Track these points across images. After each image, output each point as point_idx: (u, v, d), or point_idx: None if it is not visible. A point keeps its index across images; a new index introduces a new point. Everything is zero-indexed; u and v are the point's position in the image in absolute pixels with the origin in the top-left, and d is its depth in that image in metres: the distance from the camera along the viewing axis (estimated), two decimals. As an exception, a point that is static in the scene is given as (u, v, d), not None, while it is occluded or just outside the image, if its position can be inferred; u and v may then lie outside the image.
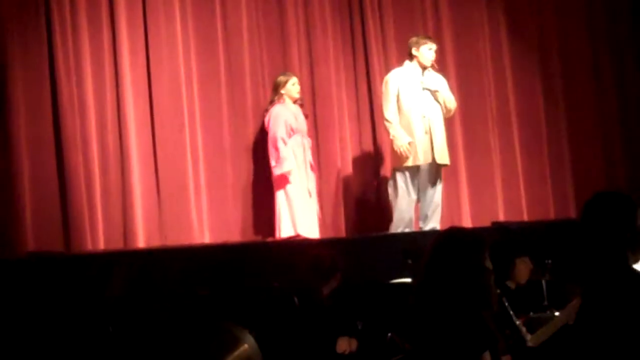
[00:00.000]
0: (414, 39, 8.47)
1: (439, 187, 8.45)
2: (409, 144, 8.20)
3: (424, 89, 8.33)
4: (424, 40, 8.42)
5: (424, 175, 8.35)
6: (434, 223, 8.37)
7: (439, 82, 8.45)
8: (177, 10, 8.58)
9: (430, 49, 8.35)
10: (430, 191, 8.38)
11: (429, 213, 8.39)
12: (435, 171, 8.40)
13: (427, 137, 8.27)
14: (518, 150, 9.83)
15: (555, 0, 10.14)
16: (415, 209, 8.48)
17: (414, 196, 8.35)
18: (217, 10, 8.77)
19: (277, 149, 8.32)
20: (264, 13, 8.98)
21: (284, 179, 8.32)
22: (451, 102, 8.47)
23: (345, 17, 9.33)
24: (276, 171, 8.30)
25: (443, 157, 8.37)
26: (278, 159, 8.30)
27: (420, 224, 8.45)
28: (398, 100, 8.31)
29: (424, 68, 8.37)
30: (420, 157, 8.25)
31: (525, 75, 9.98)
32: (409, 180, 8.33)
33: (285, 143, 8.31)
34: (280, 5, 9.05)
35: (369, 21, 9.33)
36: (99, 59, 8.25)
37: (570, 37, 10.16)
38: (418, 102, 8.31)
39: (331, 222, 8.95)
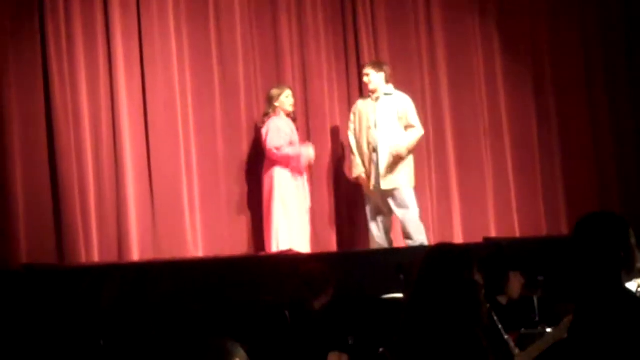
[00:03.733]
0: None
1: (398, 204, 8.52)
2: (358, 175, 8.57)
3: (369, 117, 8.53)
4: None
5: (383, 199, 8.55)
6: (419, 237, 8.44)
7: (388, 109, 8.55)
8: (171, 23, 8.59)
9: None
10: (395, 211, 8.53)
11: (405, 230, 8.53)
12: (390, 194, 8.52)
13: (374, 166, 8.50)
14: (510, 167, 9.85)
15: (548, 18, 10.18)
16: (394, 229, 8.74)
17: (375, 218, 8.59)
18: (211, 24, 8.79)
19: (285, 154, 8.36)
20: (258, 27, 9.00)
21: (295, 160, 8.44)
22: (405, 134, 8.57)
23: (338, 32, 9.36)
24: (294, 163, 8.39)
25: (387, 183, 8.48)
26: (291, 156, 8.37)
27: (407, 242, 8.54)
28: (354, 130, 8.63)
29: (377, 97, 8.53)
30: (370, 185, 8.53)
31: (518, 92, 10.00)
32: (370, 203, 8.63)
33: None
34: (274, 19, 9.07)
35: (363, 36, 9.36)
36: (93, 71, 8.25)
37: (564, 55, 10.20)
38: (365, 131, 8.55)
39: (323, 237, 8.96)
